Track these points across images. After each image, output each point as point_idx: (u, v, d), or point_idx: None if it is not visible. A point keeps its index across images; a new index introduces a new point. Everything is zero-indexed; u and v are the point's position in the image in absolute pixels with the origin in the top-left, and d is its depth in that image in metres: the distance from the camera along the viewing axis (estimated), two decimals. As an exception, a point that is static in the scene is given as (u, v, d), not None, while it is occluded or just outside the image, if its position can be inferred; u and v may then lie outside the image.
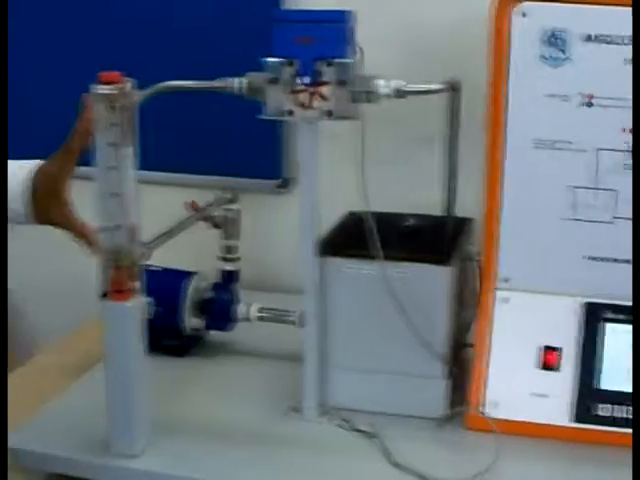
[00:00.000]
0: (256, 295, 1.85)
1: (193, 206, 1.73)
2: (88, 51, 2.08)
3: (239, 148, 2.07)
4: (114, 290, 1.40)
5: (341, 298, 1.57)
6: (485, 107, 1.56)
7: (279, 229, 2.11)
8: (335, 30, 1.43)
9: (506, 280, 1.60)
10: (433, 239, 1.64)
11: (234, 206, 1.80)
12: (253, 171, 2.08)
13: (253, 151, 2.07)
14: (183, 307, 1.76)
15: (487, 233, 1.59)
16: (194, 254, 1.84)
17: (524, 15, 1.48)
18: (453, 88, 1.49)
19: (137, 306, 1.41)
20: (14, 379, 1.76)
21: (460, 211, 1.62)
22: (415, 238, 1.68)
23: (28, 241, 2.16)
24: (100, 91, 1.34)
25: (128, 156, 1.36)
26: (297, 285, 1.94)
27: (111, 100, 1.33)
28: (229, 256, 1.82)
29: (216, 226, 1.80)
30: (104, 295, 1.40)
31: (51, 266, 2.35)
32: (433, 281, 1.54)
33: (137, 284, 1.41)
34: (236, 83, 1.50)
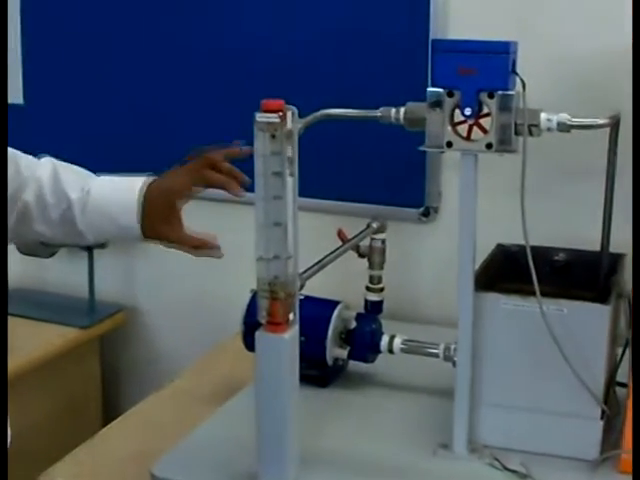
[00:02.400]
0: (395, 325, 1.81)
1: (341, 235, 1.71)
2: (247, 79, 2.09)
3: (384, 176, 2.07)
4: (270, 322, 1.38)
5: (496, 334, 1.54)
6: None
7: (419, 258, 2.08)
8: (499, 61, 1.40)
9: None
10: (586, 275, 1.60)
11: (381, 236, 1.77)
12: (397, 199, 2.07)
13: (397, 179, 2.06)
14: (327, 337, 1.73)
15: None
16: (338, 282, 1.84)
17: None
18: (616, 123, 1.44)
19: (293, 338, 1.39)
20: (153, 403, 1.77)
21: (615, 246, 1.59)
22: (567, 273, 1.65)
23: (154, 260, 2.19)
24: (263, 119, 1.32)
25: (291, 185, 1.34)
26: (436, 316, 1.98)
27: (275, 128, 1.31)
28: (374, 286, 1.81)
29: (362, 255, 1.77)
30: (259, 325, 1.38)
31: (180, 286, 2.36)
32: (592, 319, 1.49)
33: (292, 316, 1.38)
34: (394, 113, 1.47)
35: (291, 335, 1.39)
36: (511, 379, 1.54)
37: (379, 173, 2.06)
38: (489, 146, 1.43)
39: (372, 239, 1.78)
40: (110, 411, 2.36)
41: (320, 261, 1.56)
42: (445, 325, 1.80)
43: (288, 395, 1.41)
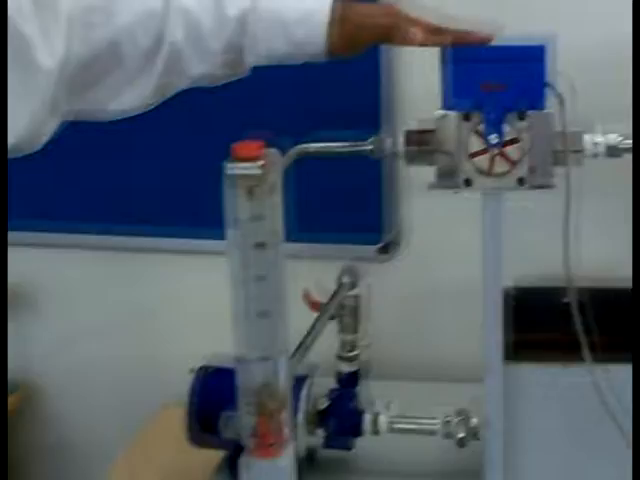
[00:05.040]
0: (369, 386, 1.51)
1: (310, 300, 1.35)
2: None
3: (332, 209, 1.74)
4: (259, 444, 1.03)
5: (532, 413, 1.28)
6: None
7: (381, 302, 1.73)
8: (533, 71, 1.07)
9: None
10: (603, 317, 1.32)
11: (354, 292, 1.41)
12: (350, 235, 1.74)
13: (349, 211, 1.73)
14: (297, 423, 1.37)
15: None
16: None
17: None
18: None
19: (290, 462, 1.07)
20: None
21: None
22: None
23: (53, 321, 1.90)
24: (237, 171, 0.95)
25: (279, 259, 0.97)
26: (409, 369, 1.75)
27: (254, 183, 0.95)
28: (347, 354, 1.45)
29: (331, 317, 1.41)
30: (244, 449, 1.05)
31: (88, 350, 2.00)
32: None
33: (287, 431, 1.03)
34: (389, 145, 1.12)
35: (287, 458, 1.06)
36: (554, 462, 1.30)
37: (326, 206, 1.72)
38: (521, 182, 1.09)
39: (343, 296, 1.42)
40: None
41: (302, 342, 1.20)
42: (419, 380, 1.68)
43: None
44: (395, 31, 1.11)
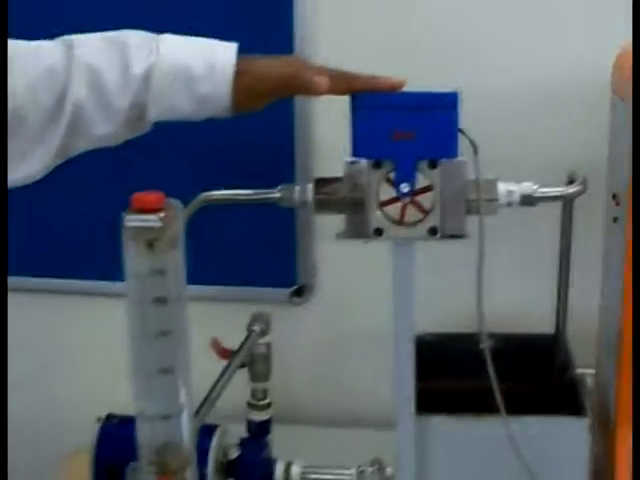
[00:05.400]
0: (281, 431, 1.44)
1: (218, 348, 1.30)
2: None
3: (242, 251, 1.69)
4: (161, 506, 0.97)
5: (445, 461, 1.24)
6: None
7: (294, 347, 1.70)
8: (445, 118, 1.04)
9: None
10: (519, 363, 1.37)
11: (265, 339, 1.37)
12: (262, 278, 1.69)
13: (260, 253, 1.68)
14: (206, 476, 1.33)
15: (624, 362, 1.22)
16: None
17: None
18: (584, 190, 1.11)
19: None
20: None
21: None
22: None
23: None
24: (136, 223, 0.90)
25: (181, 314, 0.93)
26: (320, 415, 1.71)
27: (154, 236, 0.90)
28: (258, 402, 1.40)
29: (241, 365, 1.37)
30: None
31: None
32: (569, 438, 1.20)
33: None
34: (298, 194, 1.09)
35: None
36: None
37: (240, 249, 1.68)
38: (433, 231, 1.06)
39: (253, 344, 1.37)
40: None
41: (209, 395, 1.15)
42: (333, 425, 1.65)
43: None
44: (297, 81, 1.08)
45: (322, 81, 1.06)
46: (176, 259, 0.94)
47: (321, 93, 1.07)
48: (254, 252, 1.67)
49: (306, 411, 1.74)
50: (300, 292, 1.69)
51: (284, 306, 1.69)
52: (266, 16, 1.54)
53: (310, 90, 1.07)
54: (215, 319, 1.65)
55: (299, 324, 1.71)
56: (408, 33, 1.49)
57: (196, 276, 1.65)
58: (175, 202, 0.94)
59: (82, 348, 1.74)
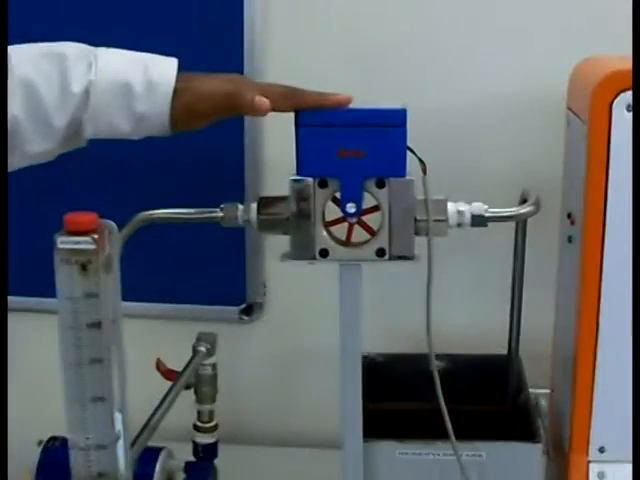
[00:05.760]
0: (230, 452, 1.42)
1: (162, 369, 1.26)
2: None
3: (191, 268, 1.64)
4: None
5: None
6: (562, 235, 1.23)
7: (244, 367, 1.65)
8: (393, 136, 1.00)
9: (601, 450, 1.20)
10: (472, 385, 1.35)
11: (210, 360, 1.33)
12: (211, 296, 1.64)
13: (209, 271, 1.63)
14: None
15: (578, 384, 1.18)
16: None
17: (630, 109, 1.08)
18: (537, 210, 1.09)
19: None
20: None
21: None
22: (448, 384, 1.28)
23: None
24: (68, 245, 0.86)
25: (116, 339, 0.89)
26: (271, 436, 1.66)
27: (88, 259, 0.86)
28: (204, 425, 1.36)
29: (186, 387, 1.32)
30: None
31: None
32: (520, 463, 1.17)
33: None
34: (242, 213, 1.05)
35: None
36: None
37: (189, 266, 1.63)
38: (381, 252, 1.03)
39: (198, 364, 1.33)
40: None
41: (151, 418, 1.11)
42: (283, 445, 1.63)
43: None
44: (238, 100, 1.04)
45: (263, 102, 1.02)
46: (111, 282, 0.90)
47: (262, 114, 1.03)
48: (203, 270, 1.63)
49: (255, 431, 1.70)
50: (249, 310, 1.65)
51: (233, 324, 1.64)
52: (215, 26, 1.51)
53: (251, 111, 1.03)
54: (163, 337, 1.61)
55: (248, 343, 1.67)
56: (358, 50, 1.46)
57: (143, 293, 1.64)
58: (109, 223, 0.90)
59: (28, 367, 1.68)
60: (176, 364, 1.32)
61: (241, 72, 1.49)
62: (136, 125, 1.04)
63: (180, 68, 1.04)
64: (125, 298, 1.53)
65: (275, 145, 1.52)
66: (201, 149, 1.50)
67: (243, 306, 1.65)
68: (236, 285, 1.63)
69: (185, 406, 1.36)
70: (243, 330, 1.66)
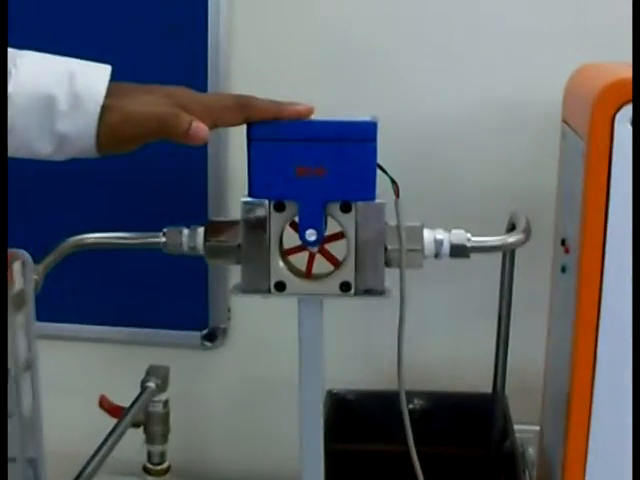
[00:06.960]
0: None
1: (106, 406, 1.13)
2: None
3: (152, 293, 1.54)
4: None
5: None
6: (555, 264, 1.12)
7: (205, 396, 1.53)
8: (361, 153, 0.86)
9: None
10: (452, 425, 1.25)
11: (162, 397, 1.19)
12: (172, 320, 1.53)
13: (171, 295, 1.53)
14: None
15: (572, 424, 1.06)
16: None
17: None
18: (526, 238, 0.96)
19: None
20: None
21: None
22: (425, 424, 1.23)
23: None
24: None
25: (30, 390, 0.76)
26: (231, 472, 1.56)
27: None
28: (155, 467, 1.23)
29: (136, 425, 1.19)
30: None
31: None
32: None
33: None
34: (187, 239, 0.91)
35: None
36: None
37: (152, 291, 1.53)
38: (346, 287, 0.89)
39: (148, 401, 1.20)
40: None
41: (92, 458, 0.98)
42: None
43: None
44: (170, 126, 0.88)
45: (199, 131, 0.87)
46: (22, 321, 0.76)
47: (197, 143, 0.87)
48: (162, 291, 1.54)
49: (215, 469, 1.60)
50: (212, 336, 1.52)
51: (195, 351, 1.53)
52: (179, 26, 1.41)
53: (184, 140, 0.88)
54: (118, 363, 1.49)
55: (211, 371, 1.57)
56: (330, 51, 1.34)
57: (96, 316, 1.51)
58: (22, 254, 0.76)
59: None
60: (130, 393, 1.19)
61: (205, 72, 1.40)
62: (58, 146, 0.89)
63: (113, 76, 0.89)
64: (77, 320, 1.39)
65: (241, 159, 1.38)
66: (162, 161, 1.37)
67: (206, 331, 1.55)
68: (198, 308, 1.53)
69: (137, 439, 1.23)
70: (205, 357, 1.56)
